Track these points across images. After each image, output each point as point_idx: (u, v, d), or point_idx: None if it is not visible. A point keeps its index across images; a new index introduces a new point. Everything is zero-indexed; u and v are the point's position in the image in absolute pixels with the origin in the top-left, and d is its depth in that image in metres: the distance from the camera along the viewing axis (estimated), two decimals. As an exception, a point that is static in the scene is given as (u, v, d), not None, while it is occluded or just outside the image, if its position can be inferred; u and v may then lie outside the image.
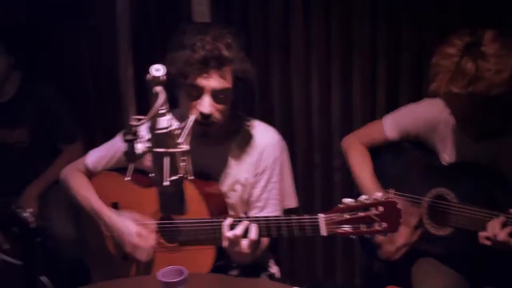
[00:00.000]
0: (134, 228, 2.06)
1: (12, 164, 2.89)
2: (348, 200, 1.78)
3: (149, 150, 1.28)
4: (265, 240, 2.06)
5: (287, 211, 2.21)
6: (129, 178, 1.35)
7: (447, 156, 2.08)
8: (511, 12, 2.32)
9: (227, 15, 2.84)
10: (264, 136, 2.12)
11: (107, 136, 2.27)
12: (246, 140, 2.11)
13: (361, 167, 2.22)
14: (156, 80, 1.25)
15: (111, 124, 3.14)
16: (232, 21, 2.82)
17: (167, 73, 1.90)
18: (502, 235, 1.79)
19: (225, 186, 2.11)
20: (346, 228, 1.77)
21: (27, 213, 1.19)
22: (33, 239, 1.20)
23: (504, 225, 1.81)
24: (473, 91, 1.75)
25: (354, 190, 2.75)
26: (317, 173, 2.94)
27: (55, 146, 2.95)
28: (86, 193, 2.19)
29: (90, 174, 2.23)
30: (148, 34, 2.96)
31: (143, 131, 1.33)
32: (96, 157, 2.22)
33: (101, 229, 2.17)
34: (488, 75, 1.74)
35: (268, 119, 2.78)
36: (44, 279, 1.37)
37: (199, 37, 1.94)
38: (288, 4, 2.74)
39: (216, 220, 1.95)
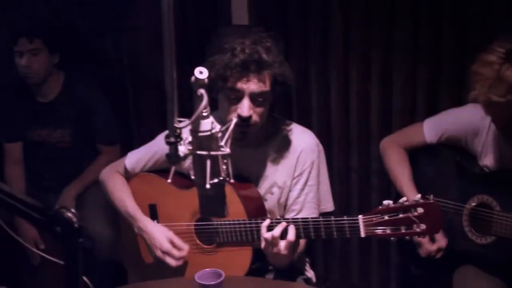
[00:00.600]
0: (167, 234, 2.09)
1: (53, 163, 2.94)
2: (387, 202, 1.77)
3: (192, 152, 1.28)
4: (302, 243, 2.06)
5: (324, 215, 2.20)
6: (170, 180, 1.36)
7: (488, 162, 2.05)
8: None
9: (265, 19, 2.84)
10: (302, 139, 2.12)
11: (145, 138, 2.29)
12: (283, 143, 2.10)
13: (400, 170, 2.20)
14: (200, 83, 1.25)
15: (148, 125, 3.18)
16: (270, 24, 2.82)
17: (208, 77, 1.92)
18: None
19: (262, 189, 2.11)
20: (386, 229, 1.76)
21: (70, 213, 1.20)
22: (76, 239, 1.21)
23: None
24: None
25: (391, 194, 2.74)
26: (354, 177, 2.92)
27: (96, 147, 2.98)
28: (122, 196, 2.21)
29: (129, 176, 2.25)
30: (187, 37, 2.98)
31: (185, 133, 1.33)
32: (135, 158, 2.24)
33: (135, 234, 2.19)
34: None
35: (306, 123, 2.78)
36: (85, 279, 1.37)
37: (239, 40, 1.93)
38: (327, 6, 2.72)
39: (254, 221, 1.95)
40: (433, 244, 2.09)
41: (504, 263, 1.98)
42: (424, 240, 2.09)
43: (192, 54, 2.91)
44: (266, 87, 1.94)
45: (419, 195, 1.75)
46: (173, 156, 1.23)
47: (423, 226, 1.72)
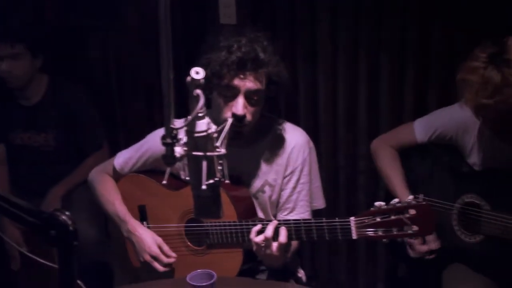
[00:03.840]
0: (156, 239, 2.09)
1: (37, 167, 2.90)
2: (379, 203, 1.77)
3: (188, 153, 1.27)
4: (294, 243, 2.06)
5: (315, 212, 2.20)
6: (165, 182, 1.35)
7: (477, 159, 2.06)
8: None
9: (253, 17, 2.83)
10: (293, 137, 2.12)
11: (132, 139, 2.27)
12: (275, 141, 2.11)
13: (392, 171, 2.21)
14: (196, 83, 1.24)
15: (136, 126, 3.15)
16: (258, 22, 2.81)
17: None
18: None
19: (254, 187, 2.11)
20: (377, 231, 1.76)
21: (65, 216, 1.18)
22: (71, 243, 1.19)
23: None
24: (501, 99, 1.75)
25: (378, 193, 2.75)
26: (341, 176, 2.93)
27: (81, 150, 2.93)
28: (111, 198, 2.19)
29: (118, 176, 2.23)
30: (173, 36, 2.95)
31: (181, 134, 1.32)
32: (124, 158, 2.22)
33: (124, 237, 2.18)
34: None
35: (294, 122, 2.78)
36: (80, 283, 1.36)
37: (235, 38, 1.93)
38: (315, 5, 2.72)
39: (245, 223, 1.95)
40: (424, 245, 2.09)
41: (493, 262, 1.99)
42: (416, 241, 2.09)
43: (180, 52, 2.89)
44: (261, 85, 1.95)
45: (411, 197, 1.76)
46: (169, 157, 1.22)
47: (415, 228, 1.72)
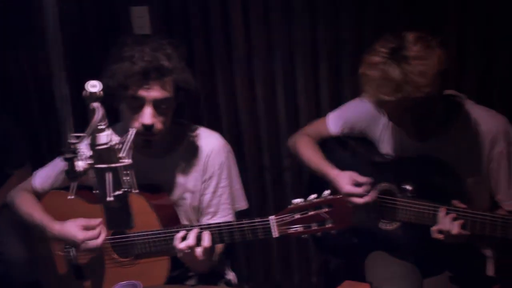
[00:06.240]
0: (76, 222, 2.02)
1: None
2: (297, 200, 1.80)
3: (91, 166, 1.27)
4: (219, 246, 2.07)
5: (240, 213, 2.23)
6: (72, 197, 1.34)
7: (387, 149, 2.11)
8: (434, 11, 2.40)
9: (167, 26, 2.84)
10: (209, 142, 2.13)
11: (54, 156, 2.24)
12: (191, 147, 2.12)
13: (311, 152, 2.21)
14: (93, 96, 1.24)
15: (56, 143, 3.10)
16: (172, 31, 2.82)
17: (108, 87, 1.91)
18: (455, 230, 1.83)
19: (175, 195, 2.11)
20: (298, 228, 1.79)
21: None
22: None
23: (454, 219, 1.85)
24: (402, 96, 1.76)
25: (305, 190, 2.80)
26: (267, 175, 2.97)
27: (3, 170, 2.87)
28: (29, 208, 2.15)
29: (39, 195, 2.20)
30: (87, 48, 2.93)
31: (84, 148, 1.32)
32: (42, 177, 2.19)
33: (52, 249, 2.14)
34: (413, 78, 1.75)
35: (215, 125, 2.81)
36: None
37: (138, 48, 1.93)
38: (227, 10, 2.75)
39: (169, 230, 1.95)
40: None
41: (411, 247, 2.05)
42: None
43: (94, 65, 2.87)
44: (168, 93, 1.95)
45: (327, 191, 1.79)
46: (71, 172, 1.23)
47: (332, 221, 1.76)
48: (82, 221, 2.02)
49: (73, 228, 2.02)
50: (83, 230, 2.01)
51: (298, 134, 2.34)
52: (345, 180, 2.01)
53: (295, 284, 3.12)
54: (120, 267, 2.08)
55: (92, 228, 2.01)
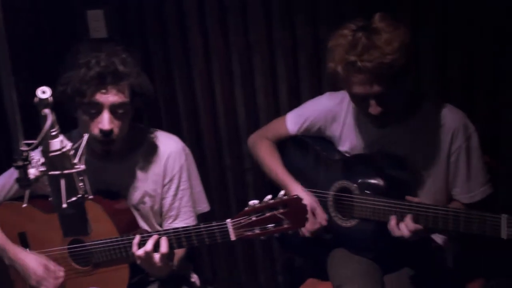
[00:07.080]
0: (40, 260, 2.04)
1: None
2: (253, 202, 1.80)
3: (44, 174, 1.26)
4: (179, 251, 2.06)
5: (202, 216, 2.22)
6: (25, 205, 1.33)
7: (348, 147, 2.14)
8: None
9: (123, 30, 2.82)
10: (167, 145, 2.13)
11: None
12: (150, 151, 2.11)
13: (272, 160, 2.24)
14: (44, 102, 1.23)
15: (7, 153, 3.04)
16: (129, 35, 2.81)
17: (64, 94, 1.89)
18: (406, 232, 1.86)
19: (134, 199, 2.10)
20: (254, 230, 1.80)
21: None
22: None
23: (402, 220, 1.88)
24: (368, 58, 1.81)
25: (267, 189, 2.80)
26: (229, 175, 2.97)
27: None
28: None
29: None
30: (42, 53, 2.88)
31: (37, 155, 1.30)
32: None
33: (6, 266, 2.11)
34: (379, 44, 1.81)
35: (175, 128, 2.80)
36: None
37: (93, 54, 1.93)
38: (183, 11, 2.75)
39: (126, 237, 1.94)
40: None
41: (369, 243, 2.07)
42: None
43: (49, 70, 2.83)
44: (125, 98, 1.94)
45: (282, 192, 1.80)
46: (22, 180, 1.21)
47: (289, 222, 1.77)
48: (46, 262, 2.04)
49: (34, 263, 2.03)
50: (44, 269, 2.02)
51: (257, 136, 2.35)
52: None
53: (260, 283, 3.12)
54: (79, 277, 2.05)
55: (52, 272, 2.03)
